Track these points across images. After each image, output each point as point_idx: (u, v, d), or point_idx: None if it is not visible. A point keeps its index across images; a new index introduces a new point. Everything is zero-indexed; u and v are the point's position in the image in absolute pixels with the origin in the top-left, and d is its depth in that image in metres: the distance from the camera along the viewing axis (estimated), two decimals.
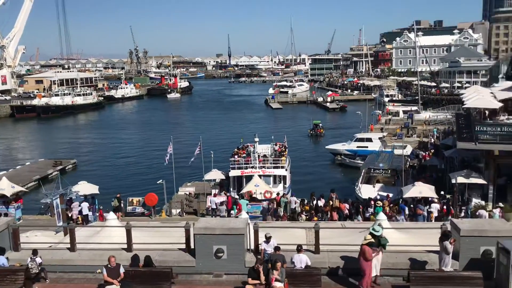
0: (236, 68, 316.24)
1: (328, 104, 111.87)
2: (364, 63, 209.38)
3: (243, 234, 15.53)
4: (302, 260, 14.72)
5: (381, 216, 18.04)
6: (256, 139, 39.63)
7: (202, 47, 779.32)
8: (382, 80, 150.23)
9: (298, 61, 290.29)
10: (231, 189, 35.60)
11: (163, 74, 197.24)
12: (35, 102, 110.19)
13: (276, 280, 13.48)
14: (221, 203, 30.21)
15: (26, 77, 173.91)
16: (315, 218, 25.63)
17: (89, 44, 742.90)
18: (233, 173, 36.11)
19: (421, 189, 27.91)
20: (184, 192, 37.03)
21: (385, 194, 31.51)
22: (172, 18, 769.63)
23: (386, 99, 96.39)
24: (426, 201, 27.54)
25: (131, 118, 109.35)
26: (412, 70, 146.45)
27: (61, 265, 16.15)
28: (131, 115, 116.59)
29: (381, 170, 35.99)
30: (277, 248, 14.92)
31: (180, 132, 76.39)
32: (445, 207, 27.09)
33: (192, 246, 15.89)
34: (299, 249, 14.93)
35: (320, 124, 74.53)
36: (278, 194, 31.78)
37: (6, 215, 27.39)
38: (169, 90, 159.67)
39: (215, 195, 32.16)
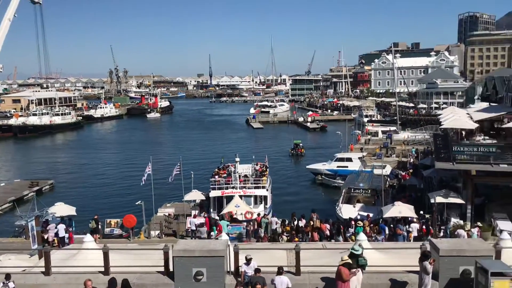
0: (217, 88, 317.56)
1: (308, 124, 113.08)
2: (343, 84, 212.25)
3: (223, 256, 15.33)
4: (283, 282, 14.58)
5: (362, 236, 18.06)
6: (237, 159, 39.54)
7: (183, 67, 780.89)
8: (361, 100, 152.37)
9: (279, 81, 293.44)
10: (211, 210, 35.23)
11: (143, 94, 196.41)
12: (12, 121, 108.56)
13: None
14: (201, 225, 29.88)
15: (3, 96, 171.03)
16: (296, 239, 25.53)
17: (69, 63, 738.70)
18: (213, 193, 35.81)
19: (401, 209, 28.08)
20: (163, 213, 36.47)
21: (365, 214, 31.61)
22: (153, 37, 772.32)
23: (366, 120, 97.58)
24: (406, 220, 27.70)
25: (110, 138, 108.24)
26: (391, 91, 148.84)
27: None
28: (110, 135, 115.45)
29: (361, 190, 36.20)
30: (257, 270, 14.75)
31: (160, 152, 75.76)
32: (424, 226, 27.27)
33: (171, 269, 15.62)
34: (280, 271, 14.79)
35: (301, 144, 74.89)
36: (259, 214, 31.57)
37: None
38: (148, 110, 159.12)
39: (195, 216, 31.77)
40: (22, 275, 16.47)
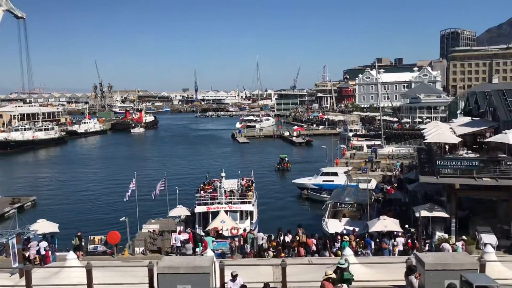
0: (203, 103, 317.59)
1: (294, 138, 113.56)
2: (328, 98, 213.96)
3: (209, 273, 15.14)
4: None
5: (348, 251, 18.04)
6: (223, 174, 39.33)
7: (168, 81, 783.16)
8: (346, 115, 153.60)
9: (264, 96, 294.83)
10: (197, 226, 34.95)
11: (128, 109, 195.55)
12: None
13: None
14: (186, 241, 29.57)
15: None
16: (283, 254, 25.42)
17: (53, 78, 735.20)
18: (198, 209, 35.55)
19: (386, 223, 28.19)
20: (147, 230, 36.04)
21: (351, 228, 31.62)
22: (138, 52, 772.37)
23: (350, 134, 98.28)
24: (391, 235, 27.77)
25: (94, 154, 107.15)
26: (375, 105, 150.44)
27: None
28: (94, 150, 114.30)
29: (347, 204, 36.28)
30: (243, 287, 14.62)
31: (144, 168, 75.19)
32: (409, 240, 27.37)
33: (156, 286, 15.37)
34: (266, 287, 14.65)
35: (287, 158, 75.01)
36: (244, 230, 31.38)
37: None
38: (133, 125, 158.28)
39: (180, 232, 31.46)
40: None
